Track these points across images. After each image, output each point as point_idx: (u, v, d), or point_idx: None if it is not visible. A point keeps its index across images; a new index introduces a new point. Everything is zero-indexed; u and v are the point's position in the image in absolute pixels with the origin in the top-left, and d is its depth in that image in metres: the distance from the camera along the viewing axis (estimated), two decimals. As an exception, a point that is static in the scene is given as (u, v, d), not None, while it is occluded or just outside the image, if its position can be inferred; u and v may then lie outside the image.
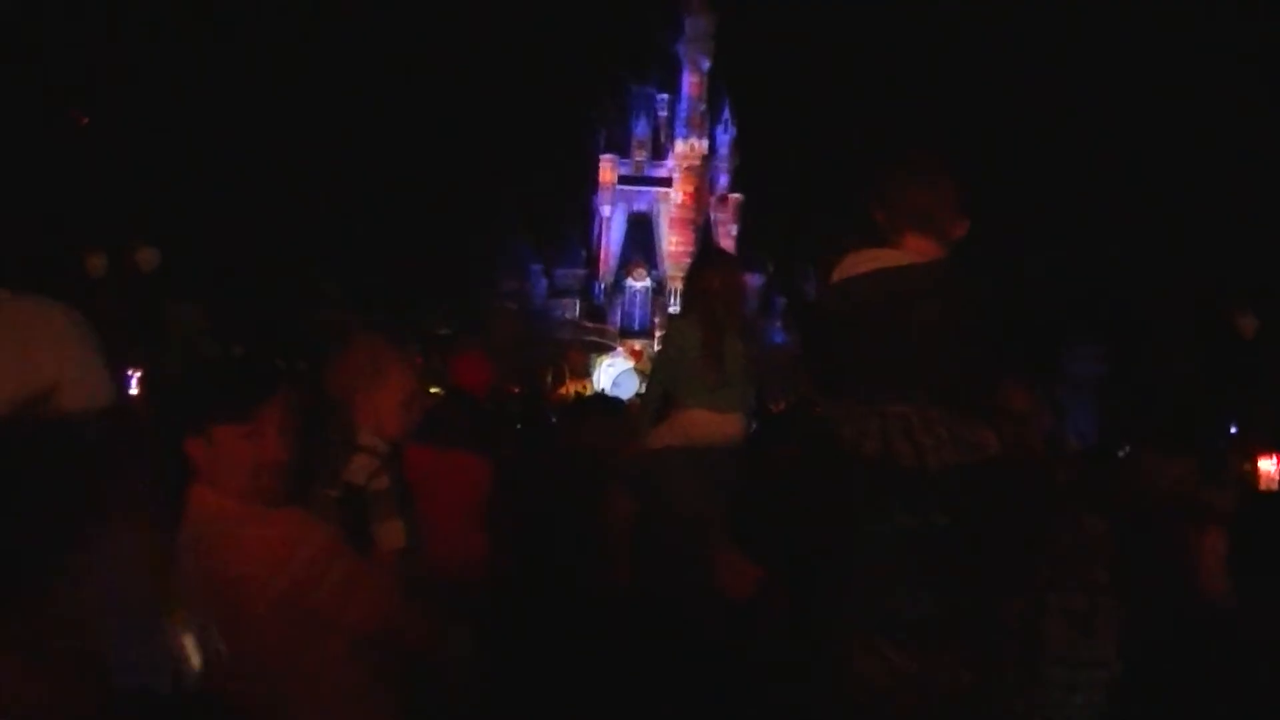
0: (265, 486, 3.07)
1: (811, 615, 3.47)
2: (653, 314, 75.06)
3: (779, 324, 69.85)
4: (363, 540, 3.66)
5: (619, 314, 77.38)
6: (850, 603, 3.34)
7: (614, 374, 66.16)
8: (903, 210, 3.60)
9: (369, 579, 3.18)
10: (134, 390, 18.77)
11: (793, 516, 3.56)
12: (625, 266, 78.73)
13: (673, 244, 76.93)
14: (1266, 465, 10.25)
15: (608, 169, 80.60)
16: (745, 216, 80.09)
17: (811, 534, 3.46)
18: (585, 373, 70.38)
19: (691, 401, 5.79)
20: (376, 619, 3.12)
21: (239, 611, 2.82)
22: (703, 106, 79.47)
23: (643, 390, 6.27)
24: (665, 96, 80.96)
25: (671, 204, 79.47)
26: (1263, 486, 9.97)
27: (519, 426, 9.44)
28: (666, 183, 79.87)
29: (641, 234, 79.72)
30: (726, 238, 77.68)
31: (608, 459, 6.03)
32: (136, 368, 21.34)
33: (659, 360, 6.17)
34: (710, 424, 5.75)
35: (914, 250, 3.57)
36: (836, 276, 3.61)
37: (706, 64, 79.45)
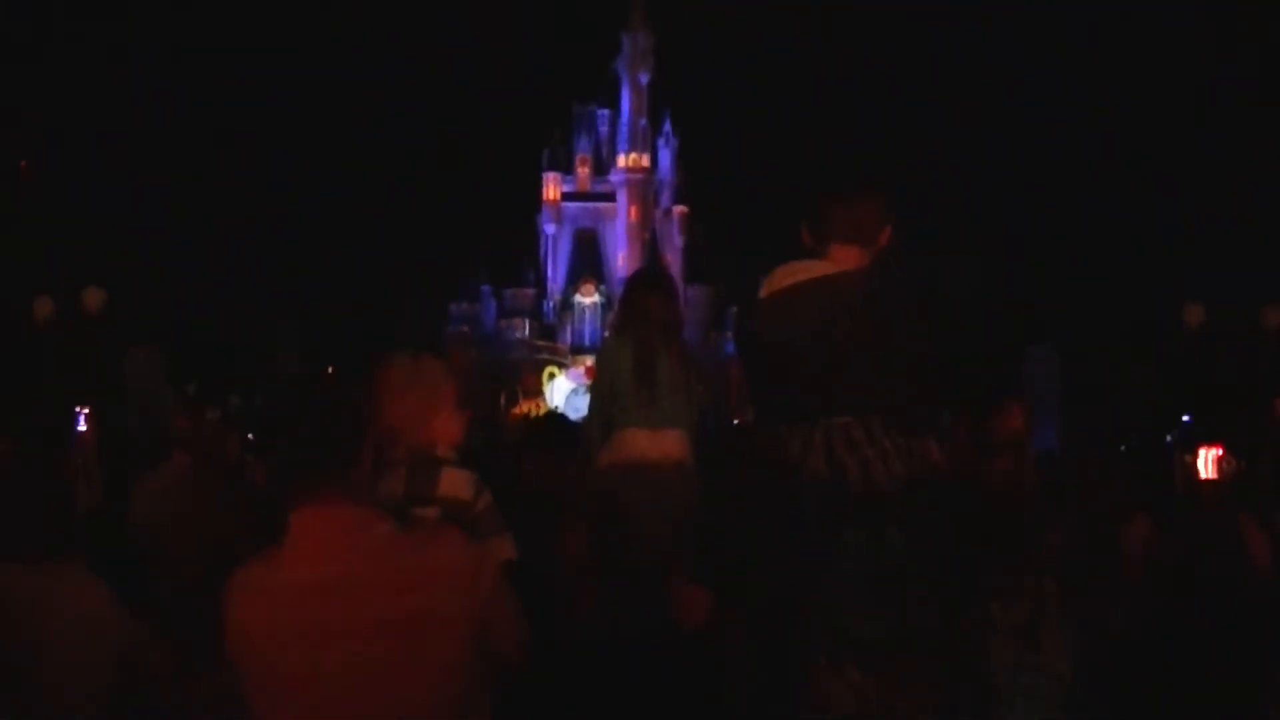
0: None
1: (770, 637, 3.45)
2: (603, 330, 75.00)
3: (730, 335, 69.89)
4: None
5: (569, 332, 77.25)
6: (810, 623, 3.33)
7: (566, 392, 66.05)
8: (827, 225, 3.63)
9: (518, 602, 3.09)
10: (82, 427, 18.62)
11: (745, 536, 3.53)
12: (574, 284, 78.62)
13: (620, 259, 76.90)
14: (1206, 454, 10.37)
15: (552, 187, 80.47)
16: (691, 229, 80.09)
17: (765, 554, 3.42)
18: (538, 392, 70.21)
19: (626, 421, 5.84)
20: (523, 644, 3.06)
21: (439, 646, 2.76)
22: (643, 121, 79.50)
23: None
24: (606, 113, 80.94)
25: (617, 220, 79.44)
26: (1202, 475, 10.11)
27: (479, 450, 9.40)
28: (611, 198, 79.83)
29: (588, 251, 79.64)
30: (672, 251, 77.67)
31: (561, 489, 6.05)
32: (84, 405, 21.14)
33: (594, 384, 6.20)
34: (646, 442, 5.80)
35: (840, 259, 3.60)
36: (765, 291, 3.60)
37: (646, 79, 79.51)
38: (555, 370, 72.58)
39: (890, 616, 3.30)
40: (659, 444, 5.87)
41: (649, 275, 6.87)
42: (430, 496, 3.82)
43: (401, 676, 2.78)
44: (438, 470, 3.89)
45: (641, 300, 6.06)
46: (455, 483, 3.87)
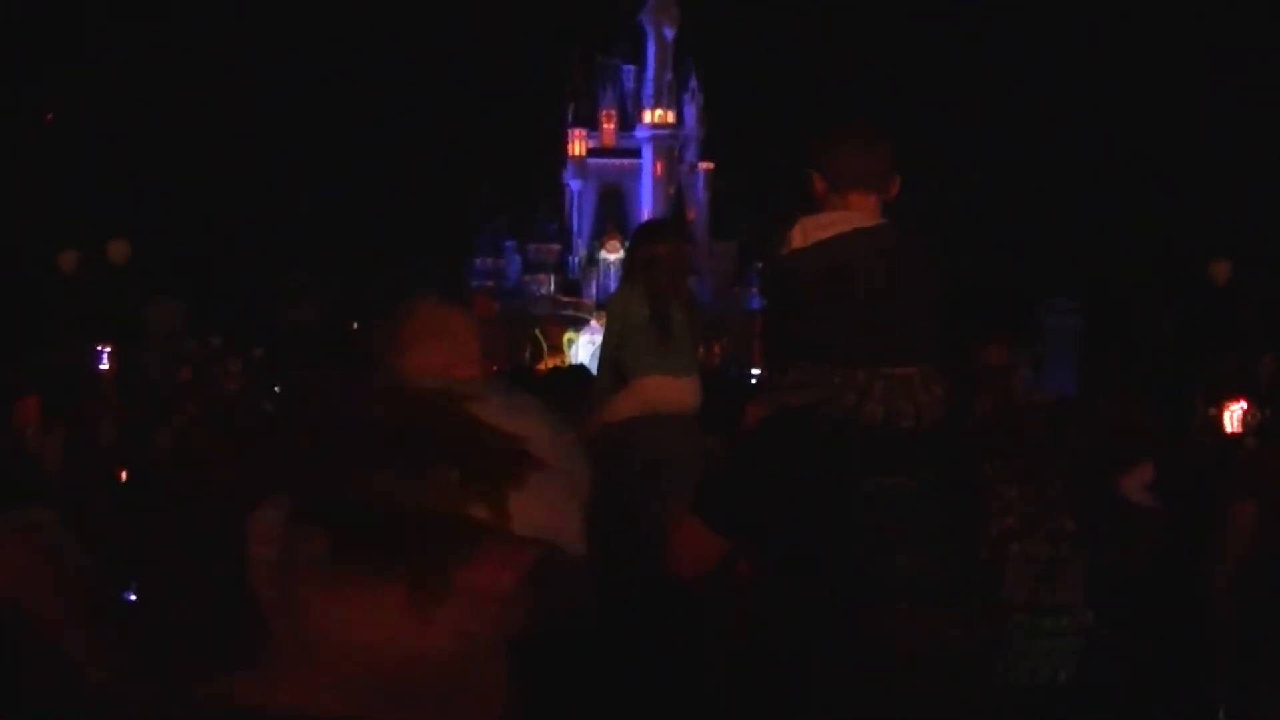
0: None
1: (799, 586, 3.43)
2: (627, 285, 74.69)
3: (755, 290, 69.83)
4: None
5: (594, 287, 77.25)
6: (856, 568, 3.32)
7: (592, 349, 66.11)
8: (844, 174, 3.64)
9: None
10: (104, 365, 18.86)
11: (768, 484, 3.51)
12: (599, 240, 78.54)
13: (645, 215, 76.74)
14: (1233, 409, 10.43)
15: (577, 143, 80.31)
16: (715, 185, 79.89)
17: (793, 501, 3.40)
18: (562, 348, 70.31)
19: (644, 369, 5.83)
20: None
21: None
22: (669, 76, 79.17)
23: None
24: (631, 68, 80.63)
25: (642, 176, 79.25)
26: (1228, 430, 10.16)
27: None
28: (636, 154, 79.63)
29: (613, 206, 79.49)
30: (696, 207, 77.50)
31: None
32: (107, 344, 21.42)
33: (607, 334, 6.18)
34: (666, 389, 5.79)
35: (863, 211, 3.62)
36: (800, 242, 3.61)
37: (671, 33, 79.12)
38: (573, 335, 72.57)
39: (945, 555, 3.33)
40: (679, 391, 5.88)
41: (658, 223, 6.88)
42: None
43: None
44: None
45: (649, 246, 6.06)
46: None
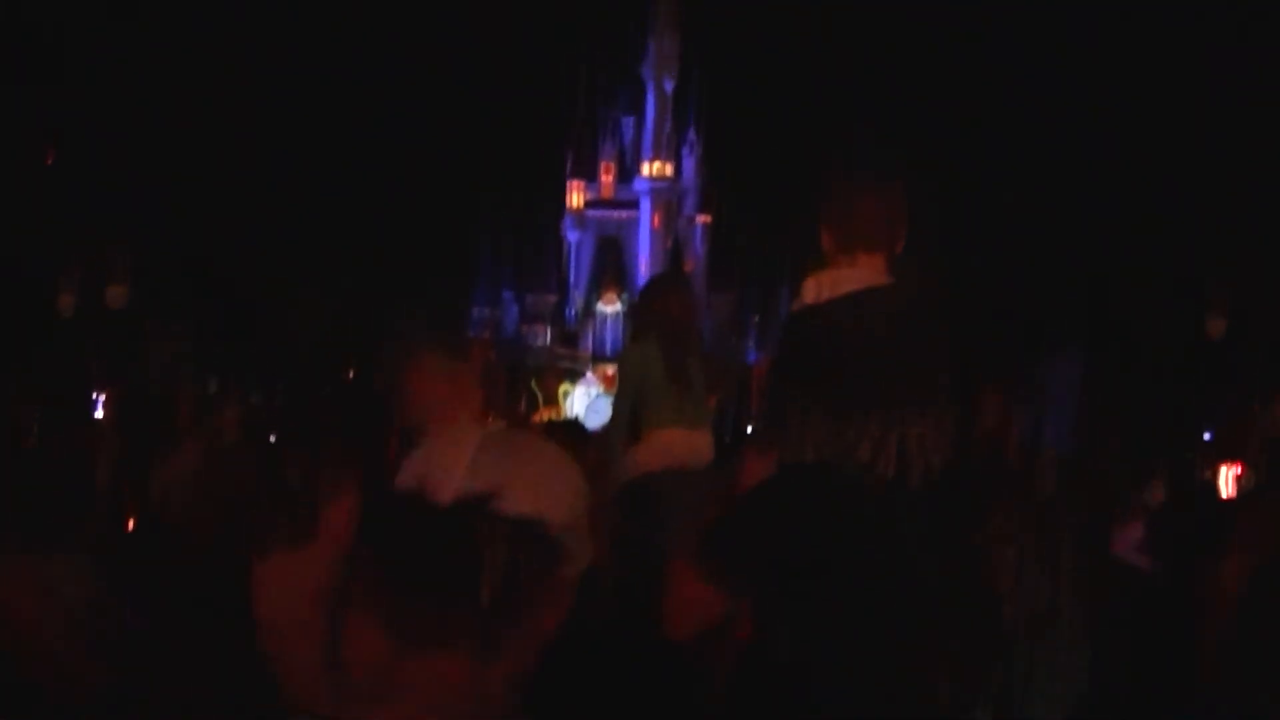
0: None
1: (804, 615, 3.45)
2: (625, 339, 74.89)
3: (752, 343, 70.04)
4: None
5: (590, 339, 77.32)
6: (880, 622, 3.33)
7: (587, 400, 65.97)
8: (851, 234, 3.66)
9: None
10: (99, 413, 18.94)
11: (782, 540, 3.49)
12: (596, 291, 78.66)
13: (643, 267, 76.92)
14: (1226, 472, 10.41)
15: (575, 194, 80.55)
16: (714, 237, 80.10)
17: (805, 557, 3.39)
18: (557, 400, 70.19)
19: (661, 422, 5.85)
20: None
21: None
22: (668, 129, 79.50)
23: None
24: (631, 119, 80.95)
25: (640, 227, 79.44)
26: (1224, 495, 10.14)
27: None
28: (634, 205, 79.84)
29: (611, 258, 79.63)
30: (694, 258, 77.66)
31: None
32: (102, 390, 21.57)
33: (623, 389, 6.21)
34: (686, 442, 5.83)
35: (871, 269, 3.64)
36: (813, 298, 3.63)
37: (671, 86, 79.49)
38: (569, 387, 72.67)
39: (948, 599, 3.34)
40: (696, 444, 5.93)
41: (667, 277, 6.94)
42: None
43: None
44: None
45: (662, 302, 6.10)
46: None
